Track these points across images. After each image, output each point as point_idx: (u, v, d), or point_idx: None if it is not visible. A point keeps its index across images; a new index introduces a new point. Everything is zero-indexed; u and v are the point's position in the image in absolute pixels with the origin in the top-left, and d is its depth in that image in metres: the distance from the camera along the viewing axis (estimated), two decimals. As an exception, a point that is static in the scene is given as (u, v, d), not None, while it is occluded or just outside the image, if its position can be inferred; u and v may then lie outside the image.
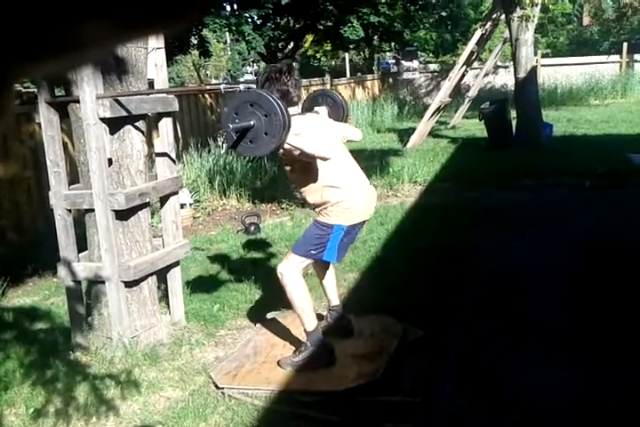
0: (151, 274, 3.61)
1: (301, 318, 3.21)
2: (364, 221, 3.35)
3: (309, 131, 3.05)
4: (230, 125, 2.69)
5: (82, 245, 3.60)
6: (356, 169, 3.31)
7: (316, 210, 3.26)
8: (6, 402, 2.97)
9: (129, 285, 3.46)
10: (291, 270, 3.17)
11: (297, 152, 2.96)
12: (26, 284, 4.98)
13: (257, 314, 4.00)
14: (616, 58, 18.35)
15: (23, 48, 0.28)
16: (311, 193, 3.20)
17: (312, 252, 3.18)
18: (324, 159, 2.97)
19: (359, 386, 2.97)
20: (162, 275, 3.79)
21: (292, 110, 3.13)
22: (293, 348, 3.46)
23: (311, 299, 3.24)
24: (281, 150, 3.02)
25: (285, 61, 3.25)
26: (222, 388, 3.07)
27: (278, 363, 3.29)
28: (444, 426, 2.70)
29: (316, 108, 3.47)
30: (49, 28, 0.28)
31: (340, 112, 3.55)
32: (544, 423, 2.66)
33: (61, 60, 0.30)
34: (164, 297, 3.93)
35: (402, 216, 6.23)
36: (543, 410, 2.74)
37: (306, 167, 3.11)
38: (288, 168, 3.25)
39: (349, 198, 3.14)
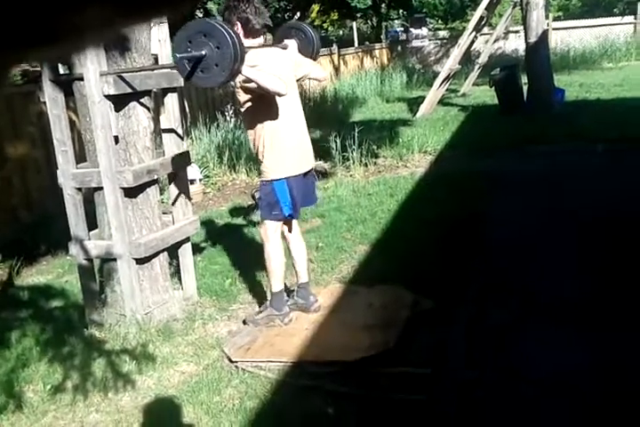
0: (162, 250, 3.63)
1: (270, 279, 3.47)
2: (308, 173, 3.40)
3: (266, 65, 3.06)
4: (177, 55, 2.69)
5: (93, 222, 3.62)
6: (297, 116, 3.35)
7: (259, 167, 3.38)
8: (24, 379, 3.03)
9: (140, 262, 3.48)
10: (269, 236, 3.39)
11: (252, 85, 2.97)
12: (39, 262, 5.03)
13: (268, 287, 4.02)
14: (630, 19, 17.95)
15: (21, 34, 0.27)
16: (254, 138, 3.28)
17: (274, 212, 3.32)
18: (279, 95, 2.99)
19: (371, 356, 2.99)
20: (173, 251, 3.81)
21: (254, 42, 3.17)
22: (306, 320, 3.50)
23: (284, 265, 3.47)
24: (236, 87, 3.08)
25: None
26: (236, 361, 3.11)
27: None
28: (454, 397, 2.72)
29: (285, 41, 3.43)
30: (47, 14, 0.27)
31: (310, 48, 3.49)
32: (554, 394, 2.67)
33: (61, 46, 0.29)
34: (176, 273, 3.96)
35: (412, 187, 6.19)
36: (553, 381, 2.75)
37: (256, 108, 3.16)
38: (242, 109, 3.28)
39: (281, 144, 3.22)
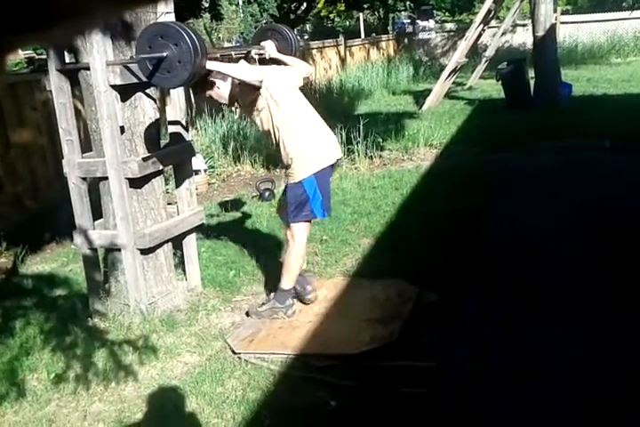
0: (166, 241, 3.63)
1: (284, 276, 3.47)
2: (332, 166, 3.45)
3: (278, 71, 3.27)
4: (138, 55, 2.82)
5: (98, 212, 3.62)
6: (312, 114, 3.41)
7: (285, 172, 3.44)
8: (28, 367, 3.04)
9: (144, 252, 3.48)
10: (297, 237, 3.40)
11: (236, 90, 3.11)
12: (44, 251, 5.04)
13: (272, 279, 4.02)
14: (639, 13, 17.80)
15: (17, 18, 0.27)
16: (278, 146, 3.33)
17: (304, 213, 3.34)
18: (257, 81, 3.08)
19: (374, 350, 3.00)
20: (177, 242, 3.81)
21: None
22: (309, 313, 3.50)
23: (301, 267, 3.52)
24: (239, 107, 3.28)
25: None
26: (239, 353, 3.11)
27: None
28: (458, 391, 2.72)
29: (262, 43, 3.54)
30: None
31: (289, 47, 3.61)
32: (558, 389, 2.67)
33: (58, 29, 0.29)
34: (180, 264, 3.97)
35: (417, 180, 6.18)
36: (558, 375, 2.75)
37: (265, 116, 3.24)
38: (257, 122, 3.36)
39: (307, 147, 3.28)
